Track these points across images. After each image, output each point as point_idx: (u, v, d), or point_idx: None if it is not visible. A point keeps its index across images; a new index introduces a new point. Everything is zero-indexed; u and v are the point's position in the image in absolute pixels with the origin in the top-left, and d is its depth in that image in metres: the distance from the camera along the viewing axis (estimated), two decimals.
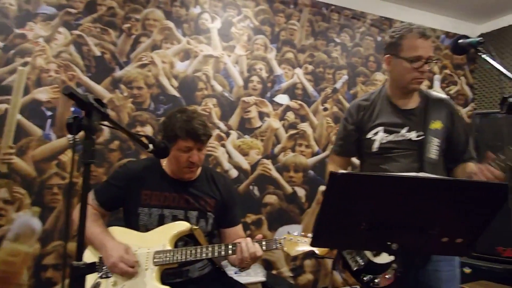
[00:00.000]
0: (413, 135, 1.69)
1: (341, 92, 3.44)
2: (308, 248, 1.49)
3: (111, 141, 2.66)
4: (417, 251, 1.48)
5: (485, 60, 1.16)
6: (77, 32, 2.61)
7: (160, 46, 2.84)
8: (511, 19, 3.77)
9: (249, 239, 1.58)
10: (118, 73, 2.71)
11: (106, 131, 2.64)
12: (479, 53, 1.18)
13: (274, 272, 3.07)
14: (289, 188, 3.19)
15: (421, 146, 1.67)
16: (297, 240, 1.52)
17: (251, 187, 3.07)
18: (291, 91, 3.25)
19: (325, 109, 3.37)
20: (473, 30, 4.08)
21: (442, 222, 1.17)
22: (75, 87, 2.58)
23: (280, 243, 1.53)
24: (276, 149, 3.17)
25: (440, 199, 1.13)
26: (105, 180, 1.84)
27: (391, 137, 1.70)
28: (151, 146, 1.33)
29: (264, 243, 1.56)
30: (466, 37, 1.27)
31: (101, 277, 1.62)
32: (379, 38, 3.64)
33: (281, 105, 3.21)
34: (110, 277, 1.63)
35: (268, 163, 3.13)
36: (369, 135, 1.74)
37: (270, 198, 3.13)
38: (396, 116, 1.73)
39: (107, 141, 2.65)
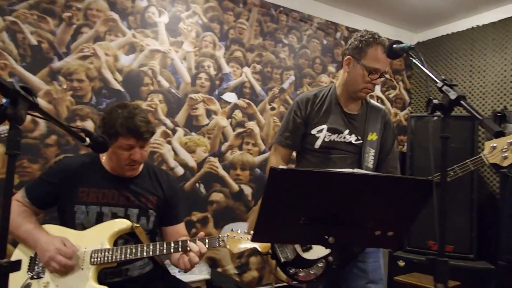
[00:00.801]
0: (353, 138, 1.78)
1: (288, 92, 3.51)
2: (250, 245, 1.50)
3: (47, 136, 2.51)
4: (352, 244, 1.55)
5: (415, 64, 1.24)
6: (10, 18, 2.43)
7: (103, 38, 2.72)
8: (444, 29, 4.07)
9: (191, 243, 1.56)
10: (56, 64, 2.56)
11: (42, 125, 2.49)
12: (410, 58, 1.26)
13: (219, 270, 3.07)
14: (235, 186, 3.20)
15: (360, 152, 1.77)
16: (240, 237, 1.52)
17: (197, 184, 3.04)
18: (239, 90, 3.26)
19: (272, 109, 3.42)
20: (411, 38, 4.35)
21: (375, 217, 1.24)
22: (8, 77, 2.41)
23: (223, 241, 1.53)
24: (223, 147, 3.17)
25: (373, 194, 1.19)
26: (38, 176, 1.73)
27: (334, 137, 1.77)
28: (88, 139, 1.27)
29: (207, 241, 1.55)
30: (400, 42, 1.35)
31: (32, 278, 1.53)
32: (325, 42, 3.76)
33: (229, 103, 3.21)
34: (42, 277, 1.54)
35: (215, 161, 3.12)
36: (314, 131, 1.80)
37: (217, 196, 3.13)
38: (341, 118, 1.80)
39: (43, 135, 2.50)
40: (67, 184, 1.63)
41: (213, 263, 3.04)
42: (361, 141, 1.78)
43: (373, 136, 1.78)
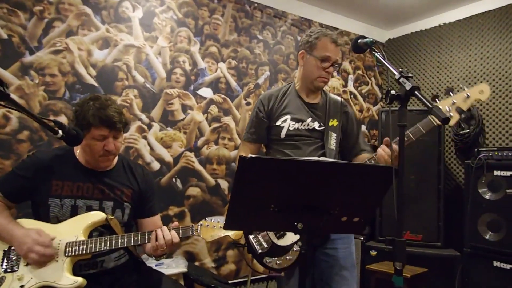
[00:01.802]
0: (316, 125, 1.90)
1: (263, 88, 3.57)
2: (223, 233, 1.55)
3: (19, 131, 2.48)
4: (320, 230, 1.62)
5: (377, 57, 1.31)
6: None
7: (76, 32, 2.70)
8: (413, 27, 4.21)
9: (165, 227, 1.60)
10: (28, 58, 2.52)
11: (14, 120, 2.46)
12: (373, 52, 1.33)
13: (196, 263, 3.10)
14: (212, 181, 3.24)
15: (323, 137, 1.89)
16: (213, 226, 1.57)
17: (173, 179, 3.06)
18: (214, 85, 3.29)
19: (248, 104, 3.46)
20: (382, 35, 4.48)
21: (341, 203, 1.30)
22: None
23: (196, 230, 1.57)
24: (199, 142, 3.20)
25: (338, 181, 1.25)
26: (11, 170, 1.72)
27: (298, 125, 1.88)
28: (60, 132, 1.29)
29: (180, 230, 1.59)
30: (364, 37, 1.42)
31: (5, 271, 1.53)
32: (299, 38, 3.83)
33: (204, 98, 3.24)
34: (16, 271, 1.54)
35: (191, 155, 3.14)
36: (278, 123, 1.91)
37: (193, 191, 3.15)
38: (303, 108, 1.92)
39: (15, 131, 2.46)
40: (41, 177, 1.64)
41: (190, 256, 3.07)
42: (323, 127, 1.90)
43: (333, 122, 1.91)
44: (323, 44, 1.83)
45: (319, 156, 1.86)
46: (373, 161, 1.74)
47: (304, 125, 1.89)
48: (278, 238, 1.74)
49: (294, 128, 1.88)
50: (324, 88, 2.01)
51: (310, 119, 1.90)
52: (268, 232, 1.77)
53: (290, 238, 1.72)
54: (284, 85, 2.07)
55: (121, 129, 1.68)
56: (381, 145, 1.72)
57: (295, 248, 1.71)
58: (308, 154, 1.85)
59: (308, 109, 1.92)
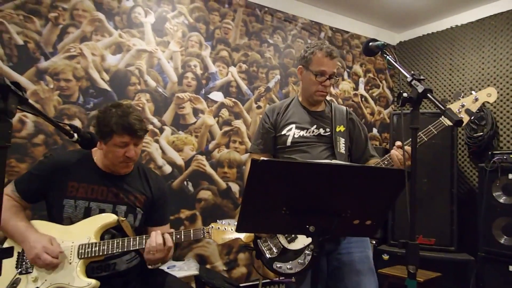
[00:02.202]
0: (321, 131, 1.91)
1: (274, 91, 3.58)
2: (234, 235, 1.55)
3: (35, 135, 2.53)
4: (332, 232, 1.60)
5: (388, 60, 1.31)
6: None
7: (90, 38, 2.75)
8: (425, 29, 4.18)
9: (158, 231, 1.62)
10: (43, 63, 2.58)
11: (29, 125, 2.51)
12: (384, 55, 1.33)
13: (208, 266, 3.11)
14: (223, 184, 3.25)
15: (331, 142, 1.89)
16: (224, 228, 1.58)
17: (185, 182, 3.08)
18: (225, 89, 3.31)
19: (259, 107, 3.48)
20: (393, 38, 4.46)
21: (353, 206, 1.29)
22: None
23: (207, 232, 1.58)
24: (211, 145, 3.22)
25: (350, 184, 1.24)
26: (28, 170, 1.76)
27: (303, 133, 1.90)
28: (75, 135, 1.31)
29: (191, 233, 1.60)
30: (375, 40, 1.42)
31: (20, 273, 1.56)
32: (309, 41, 3.83)
33: (215, 102, 3.26)
34: (30, 272, 1.57)
35: (202, 159, 3.16)
36: (284, 132, 1.93)
37: (205, 194, 3.17)
38: (307, 116, 1.95)
39: (31, 135, 2.51)
40: (57, 178, 1.67)
41: (201, 259, 3.08)
42: (329, 133, 1.91)
43: (340, 128, 1.93)
44: (317, 59, 1.86)
45: (329, 159, 1.85)
46: (386, 162, 1.73)
47: (309, 132, 1.91)
48: (289, 242, 1.72)
49: (300, 135, 1.90)
50: (327, 98, 2.04)
51: (314, 126, 1.92)
52: (279, 236, 1.75)
53: (302, 241, 1.71)
54: (287, 99, 2.11)
55: (142, 137, 1.70)
56: (394, 146, 1.72)
57: (307, 251, 1.69)
58: (316, 156, 1.84)
59: (313, 117, 1.95)
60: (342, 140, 1.90)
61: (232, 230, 1.56)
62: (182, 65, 3.12)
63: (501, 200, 2.82)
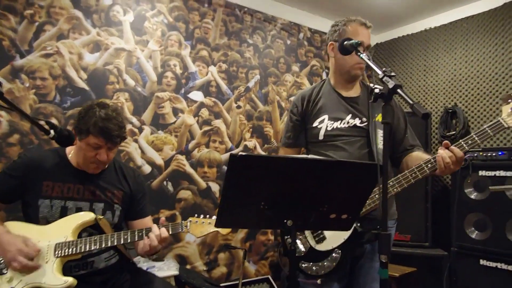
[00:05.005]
0: (357, 121, 1.74)
1: (254, 91, 3.60)
2: (212, 229, 1.57)
3: (9, 135, 2.47)
4: (310, 227, 1.63)
5: (361, 58, 1.35)
6: None
7: (67, 36, 2.71)
8: (400, 31, 4.29)
9: (155, 225, 1.62)
10: (18, 62, 2.52)
11: (4, 124, 2.45)
12: (358, 53, 1.37)
13: (188, 266, 3.11)
14: (203, 183, 3.25)
15: (368, 134, 1.72)
16: (202, 222, 1.59)
17: (165, 182, 3.07)
18: (205, 88, 3.32)
19: (238, 107, 3.50)
20: (371, 39, 4.55)
21: (330, 200, 1.32)
22: None
23: (186, 226, 1.59)
24: (190, 145, 3.21)
25: (327, 178, 1.27)
26: (1, 171, 1.72)
27: (337, 124, 1.74)
28: (52, 132, 1.31)
29: (170, 227, 1.61)
30: (350, 39, 1.47)
31: None
32: (288, 42, 3.89)
33: (195, 101, 3.26)
34: (5, 273, 1.54)
35: (182, 158, 3.16)
36: (315, 124, 1.77)
37: (184, 194, 3.16)
38: (340, 103, 1.77)
39: (5, 134, 2.46)
40: (32, 177, 1.64)
41: (181, 260, 3.07)
42: (366, 123, 1.73)
43: (379, 117, 1.70)
44: (353, 30, 1.73)
45: (366, 156, 1.70)
46: (429, 165, 1.56)
47: (343, 123, 1.73)
48: (317, 242, 1.66)
49: (333, 128, 1.73)
50: (363, 81, 1.89)
51: (350, 115, 1.74)
52: (307, 236, 1.68)
53: (330, 243, 1.65)
54: (317, 83, 1.91)
55: (118, 143, 1.69)
56: (441, 147, 1.54)
57: (335, 254, 1.62)
58: (353, 155, 1.69)
59: (348, 104, 1.76)
60: (380, 133, 1.67)
61: (210, 223, 1.58)
62: (162, 64, 3.11)
63: (472, 196, 2.92)
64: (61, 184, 1.67)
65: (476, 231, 2.88)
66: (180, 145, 3.16)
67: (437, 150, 1.57)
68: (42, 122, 1.27)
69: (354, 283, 1.76)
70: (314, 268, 1.64)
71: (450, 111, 3.62)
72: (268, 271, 3.52)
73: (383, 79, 1.13)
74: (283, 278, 3.40)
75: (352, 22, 1.75)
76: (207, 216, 1.61)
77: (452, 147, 1.49)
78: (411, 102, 1.05)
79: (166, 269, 2.73)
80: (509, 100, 1.53)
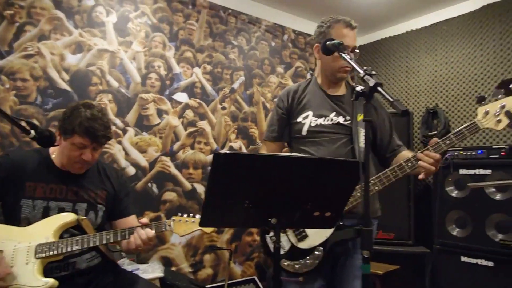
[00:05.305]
0: (341, 119, 1.76)
1: (238, 92, 3.61)
2: (196, 227, 1.57)
3: None
4: (294, 225, 1.63)
5: (343, 58, 1.38)
6: None
7: (48, 37, 2.67)
8: (383, 33, 4.36)
9: (138, 228, 1.61)
10: None
11: None
12: (340, 52, 1.40)
13: (173, 268, 3.09)
14: (188, 185, 3.24)
15: (350, 133, 1.74)
16: (185, 220, 1.59)
17: (149, 184, 3.05)
18: (190, 90, 3.32)
19: (223, 108, 3.50)
20: None
21: (313, 198, 1.33)
22: None
23: (169, 225, 1.59)
24: (175, 146, 3.20)
25: (310, 176, 1.27)
26: None
27: (321, 121, 1.75)
28: (33, 132, 1.29)
29: (153, 225, 1.60)
30: (332, 39, 1.49)
31: None
32: (273, 43, 3.91)
33: (180, 103, 3.25)
34: None
35: (167, 160, 3.15)
36: (299, 119, 1.78)
37: (169, 195, 3.15)
38: (325, 101, 1.79)
39: None
40: (14, 178, 1.62)
41: (166, 261, 3.05)
42: (349, 121, 1.74)
43: (362, 117, 1.69)
44: (337, 32, 1.73)
45: (347, 156, 1.71)
46: (409, 164, 1.59)
47: (327, 120, 1.74)
48: (299, 240, 1.66)
49: (317, 124, 1.74)
50: (348, 80, 1.90)
51: (334, 113, 1.75)
52: (289, 234, 1.69)
53: (312, 241, 1.66)
54: (304, 80, 1.94)
55: (103, 143, 1.69)
56: (425, 151, 1.58)
57: (317, 252, 1.63)
58: (333, 152, 1.70)
59: (332, 103, 1.78)
60: (363, 132, 1.69)
61: (194, 222, 1.58)
62: (146, 66, 3.09)
63: (453, 194, 2.98)
64: (44, 185, 1.65)
65: (457, 229, 2.94)
66: (165, 147, 3.15)
67: (419, 149, 1.60)
68: (22, 122, 1.25)
69: (336, 281, 1.77)
70: (296, 266, 1.65)
71: (432, 111, 3.69)
72: (254, 272, 3.52)
73: (364, 78, 1.15)
74: (269, 278, 3.41)
75: (336, 24, 1.75)
76: (191, 215, 1.61)
77: (427, 151, 1.54)
78: (390, 99, 1.07)
79: (151, 271, 2.71)
80: (483, 102, 1.58)
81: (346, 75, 1.80)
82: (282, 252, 1.67)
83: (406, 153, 1.78)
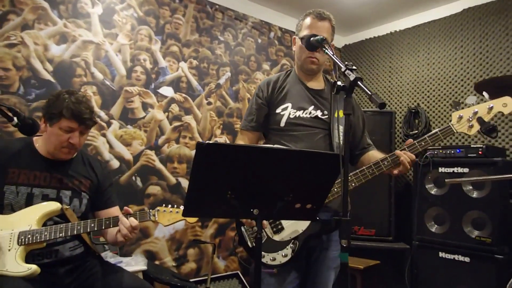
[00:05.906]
0: (319, 113, 1.78)
1: (224, 88, 3.63)
2: (179, 217, 1.58)
3: None
4: (275, 216, 1.66)
5: (326, 53, 1.41)
6: None
7: (32, 26, 2.64)
8: (367, 34, 4.43)
9: (121, 216, 1.62)
10: None
11: None
12: (323, 48, 1.43)
13: (157, 262, 3.09)
14: (172, 179, 3.24)
15: (328, 128, 1.77)
16: (169, 211, 1.60)
17: (133, 178, 3.04)
18: (175, 84, 3.31)
19: (209, 103, 3.51)
20: (339, 41, 4.68)
21: (295, 190, 1.35)
22: None
23: (153, 215, 1.60)
24: (160, 140, 3.20)
25: (291, 168, 1.30)
26: None
27: (299, 113, 1.77)
28: (15, 119, 1.29)
29: (138, 215, 1.62)
30: (316, 35, 1.53)
31: None
32: (259, 40, 3.93)
33: (165, 97, 3.25)
34: None
35: (151, 154, 3.14)
36: (278, 110, 1.79)
37: (154, 189, 3.14)
38: (305, 94, 1.81)
39: None
40: None
41: (150, 255, 3.05)
42: (327, 116, 1.77)
43: (340, 113, 1.72)
44: (306, 23, 1.77)
45: (323, 149, 1.74)
46: (386, 163, 1.69)
47: (305, 113, 1.76)
48: (275, 232, 1.68)
49: (295, 116, 1.75)
50: (327, 76, 1.94)
51: (312, 106, 1.77)
52: (265, 225, 1.70)
53: (287, 233, 1.68)
54: (284, 71, 1.94)
55: (90, 126, 1.73)
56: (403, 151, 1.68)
57: (291, 245, 1.66)
58: (311, 146, 1.72)
59: (312, 96, 1.80)
60: (341, 128, 1.72)
61: (178, 212, 1.60)
62: (131, 59, 3.08)
63: (433, 192, 3.05)
64: (28, 171, 1.65)
65: (436, 225, 3.02)
66: (150, 140, 3.14)
67: (400, 147, 1.68)
68: (4, 108, 1.24)
69: (311, 272, 1.81)
70: (270, 257, 1.67)
71: (413, 111, 3.78)
72: (238, 267, 3.55)
73: (345, 72, 1.18)
74: (252, 273, 3.44)
75: (308, 16, 1.80)
76: (175, 205, 1.63)
77: (404, 151, 1.63)
78: (369, 93, 1.11)
79: (134, 264, 2.70)
80: (457, 107, 1.67)
81: (315, 67, 1.82)
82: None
83: (375, 153, 1.85)
